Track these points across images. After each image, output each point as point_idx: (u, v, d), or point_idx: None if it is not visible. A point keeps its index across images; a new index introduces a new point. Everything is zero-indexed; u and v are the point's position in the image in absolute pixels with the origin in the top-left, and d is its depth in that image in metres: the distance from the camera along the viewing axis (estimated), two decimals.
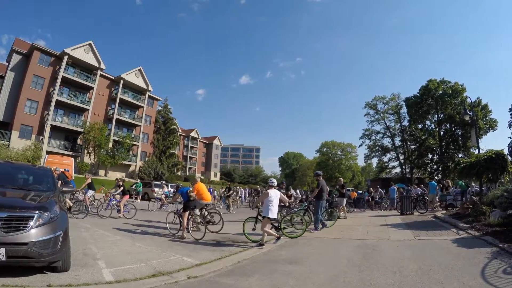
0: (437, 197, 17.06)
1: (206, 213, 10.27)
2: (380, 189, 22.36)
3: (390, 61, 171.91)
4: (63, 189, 5.53)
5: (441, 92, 44.75)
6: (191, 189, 9.34)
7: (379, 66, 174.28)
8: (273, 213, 7.59)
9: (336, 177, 77.50)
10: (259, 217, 8.26)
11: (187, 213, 8.61)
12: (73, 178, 18.84)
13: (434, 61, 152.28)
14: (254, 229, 8.53)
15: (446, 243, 7.23)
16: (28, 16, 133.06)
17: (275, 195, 7.81)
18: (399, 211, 15.10)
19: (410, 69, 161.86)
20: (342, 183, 14.79)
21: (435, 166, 47.56)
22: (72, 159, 20.04)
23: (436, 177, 42.08)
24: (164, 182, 19.27)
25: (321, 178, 9.96)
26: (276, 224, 8.35)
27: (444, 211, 14.28)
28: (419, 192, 18.12)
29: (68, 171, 17.95)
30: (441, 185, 19.12)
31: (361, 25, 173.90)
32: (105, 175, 38.03)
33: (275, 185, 8.19)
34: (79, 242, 6.75)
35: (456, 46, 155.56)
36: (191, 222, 8.89)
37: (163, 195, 17.59)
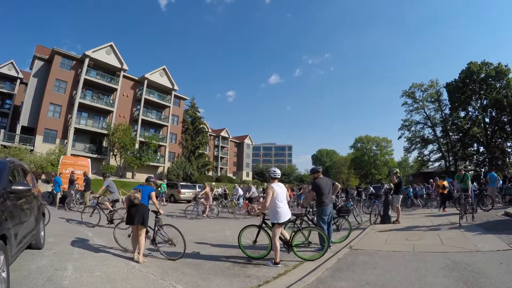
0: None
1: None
2: (386, 185, 19.17)
3: (422, 52, 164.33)
4: (13, 187, 3.91)
5: (483, 75, 41.24)
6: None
7: (412, 59, 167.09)
8: (285, 214, 5.46)
9: (372, 173, 74.70)
10: (264, 226, 5.97)
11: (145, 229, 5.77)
12: (89, 179, 17.85)
13: (468, 48, 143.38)
14: (255, 242, 6.04)
15: None
16: (57, 27, 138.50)
17: (281, 190, 5.66)
18: (458, 209, 12.61)
19: (443, 59, 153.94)
20: (398, 174, 10.67)
21: (481, 158, 43.42)
22: (89, 160, 18.90)
23: (482, 169, 38.57)
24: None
25: (321, 175, 6.82)
26: (285, 238, 5.88)
27: None
28: (477, 187, 15.79)
29: (79, 172, 16.93)
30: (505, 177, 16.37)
31: (390, 18, 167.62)
32: (132, 177, 37.23)
33: (279, 176, 5.89)
34: (58, 258, 5.25)
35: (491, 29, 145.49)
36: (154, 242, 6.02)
37: None
